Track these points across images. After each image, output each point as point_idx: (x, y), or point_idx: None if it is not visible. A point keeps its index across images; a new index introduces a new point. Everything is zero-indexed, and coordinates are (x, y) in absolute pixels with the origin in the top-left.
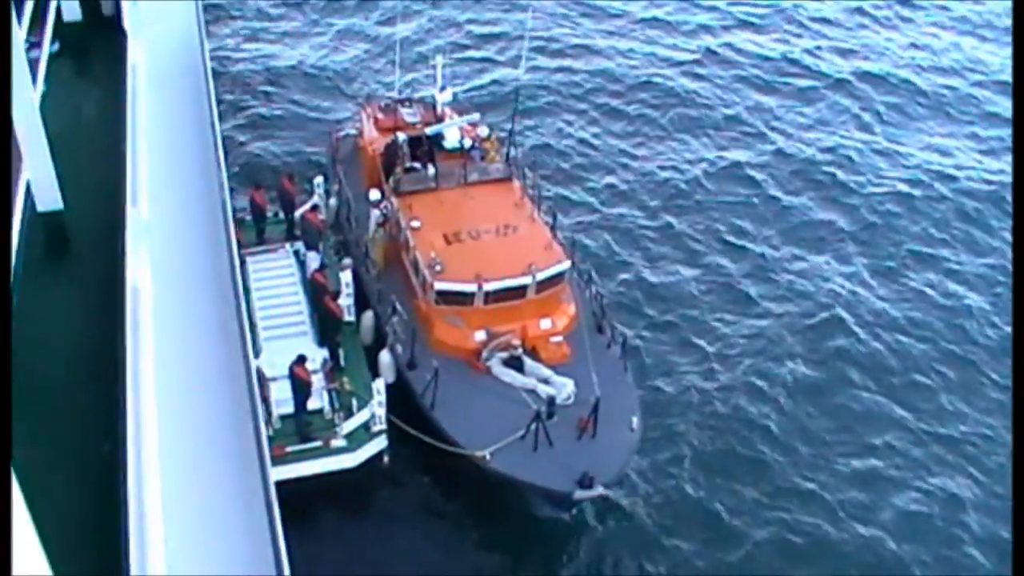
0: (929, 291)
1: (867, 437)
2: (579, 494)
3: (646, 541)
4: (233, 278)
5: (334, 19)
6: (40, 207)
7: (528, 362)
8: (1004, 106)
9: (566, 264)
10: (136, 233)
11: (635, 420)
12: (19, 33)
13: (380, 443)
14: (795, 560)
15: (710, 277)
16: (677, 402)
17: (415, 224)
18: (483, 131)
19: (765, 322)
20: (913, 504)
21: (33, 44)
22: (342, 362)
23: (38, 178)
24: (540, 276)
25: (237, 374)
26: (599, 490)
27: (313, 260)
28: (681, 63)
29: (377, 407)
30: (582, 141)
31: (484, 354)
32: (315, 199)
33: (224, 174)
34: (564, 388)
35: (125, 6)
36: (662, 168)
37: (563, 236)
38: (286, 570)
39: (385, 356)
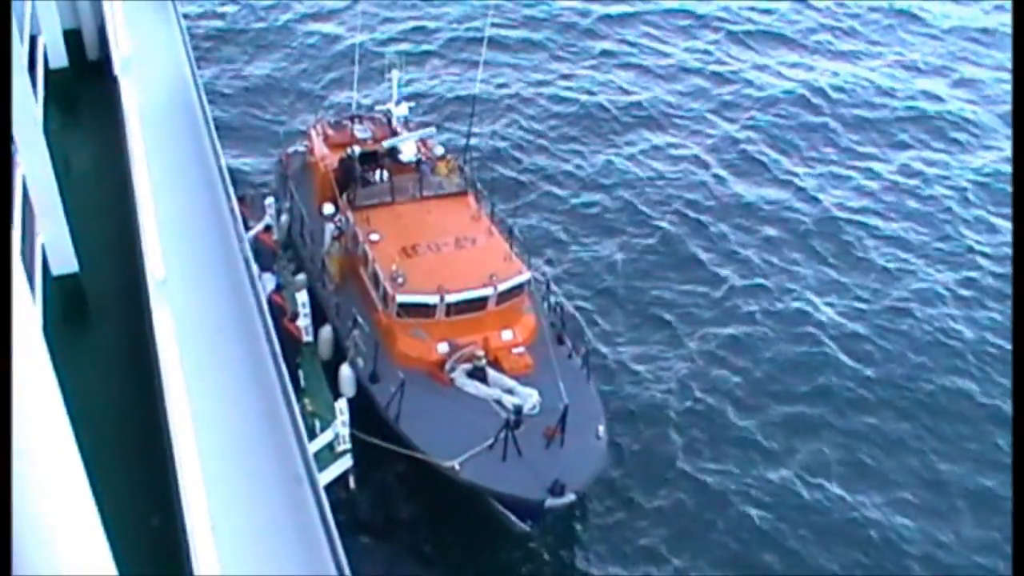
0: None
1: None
2: (550, 502)
3: (616, 546)
4: (264, 324)
5: (282, 35)
6: (55, 270)
7: (491, 373)
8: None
9: (527, 275)
10: (155, 292)
11: (601, 428)
12: (26, 85)
13: (345, 463)
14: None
15: (671, 283)
16: (643, 408)
17: (374, 237)
18: (438, 150)
19: (733, 327)
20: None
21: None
22: (302, 383)
23: (53, 240)
24: (501, 287)
25: (279, 421)
26: (570, 497)
27: (269, 281)
28: (643, 70)
29: (341, 427)
30: (539, 150)
31: (448, 365)
32: (267, 219)
33: (238, 217)
34: (529, 398)
35: (113, 50)
36: (623, 178)
37: (520, 248)
38: None
39: (346, 370)
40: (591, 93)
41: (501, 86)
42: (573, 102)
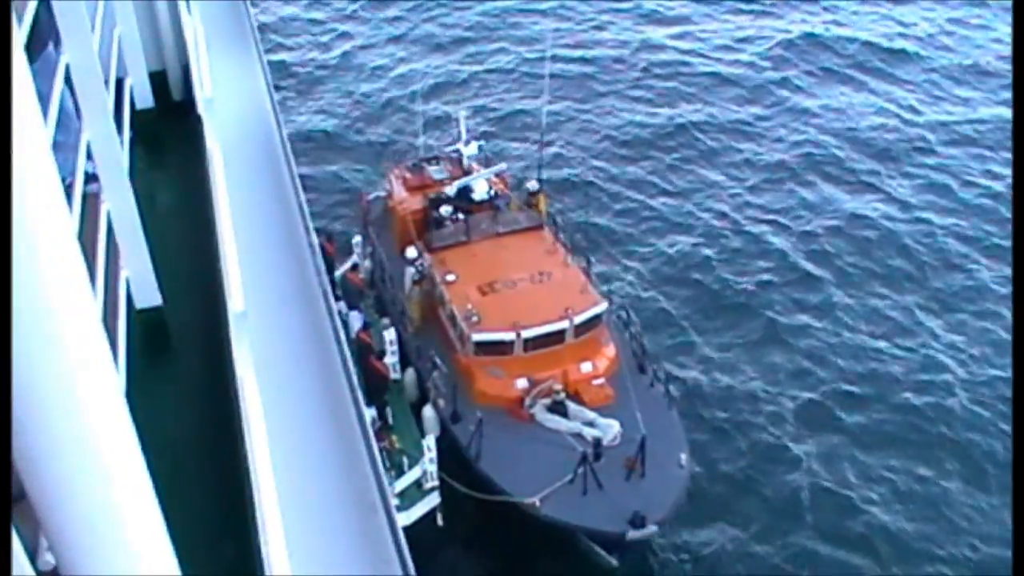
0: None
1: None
2: (632, 534)
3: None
4: (342, 356)
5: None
6: (139, 304)
7: (572, 406)
8: None
9: (603, 306)
10: (235, 324)
11: (683, 457)
12: (110, 127)
13: (433, 500)
14: None
15: (748, 310)
16: (727, 436)
17: (450, 278)
18: (532, 185)
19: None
20: None
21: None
22: (390, 420)
23: (137, 275)
24: (578, 320)
25: (356, 451)
26: (651, 529)
27: (356, 320)
28: (717, 98)
29: (428, 464)
30: (611, 179)
31: (527, 401)
32: (354, 258)
33: (317, 252)
34: (610, 429)
35: (197, 90)
36: (698, 205)
37: (597, 279)
38: None
39: (429, 411)
40: (661, 112)
41: (565, 114)
42: (639, 124)
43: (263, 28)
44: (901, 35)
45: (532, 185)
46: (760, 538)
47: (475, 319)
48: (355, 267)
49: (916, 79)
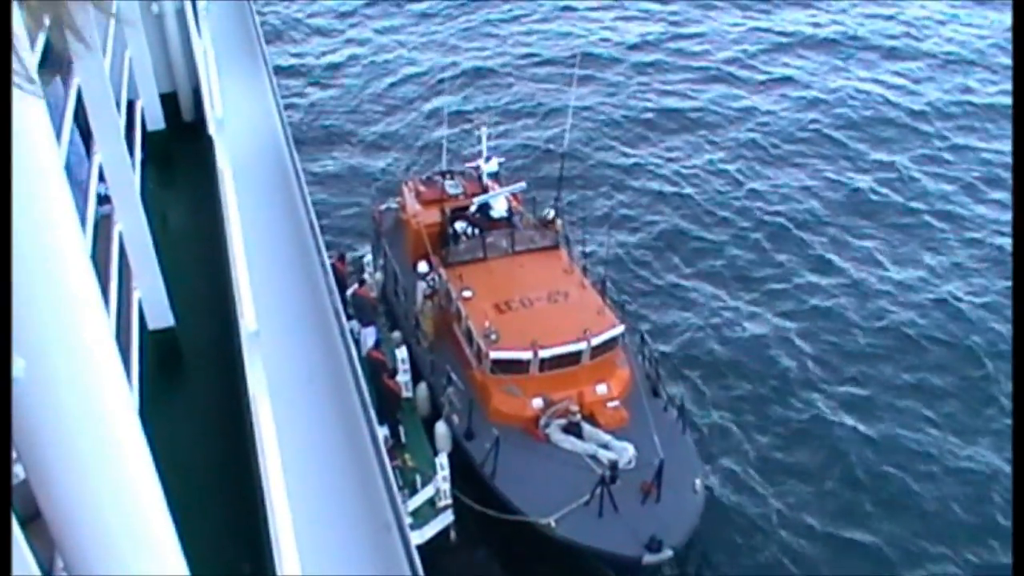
0: None
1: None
2: (648, 558)
3: None
4: (355, 375)
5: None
6: (152, 325)
7: (587, 428)
8: None
9: (620, 328)
10: (247, 344)
11: (698, 482)
12: (121, 148)
13: (446, 519)
14: None
15: (766, 339)
16: (739, 465)
17: (466, 294)
18: (549, 213)
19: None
20: None
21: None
22: (403, 439)
23: (149, 295)
24: (595, 341)
25: (370, 470)
26: (667, 553)
27: (369, 336)
28: (739, 127)
29: (442, 482)
30: (631, 199)
31: (542, 421)
32: (364, 275)
33: (329, 271)
34: (625, 452)
35: (207, 111)
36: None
37: (613, 301)
38: None
39: (441, 427)
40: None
41: (587, 134)
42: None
43: (271, 33)
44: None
45: (548, 213)
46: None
47: (493, 337)
48: (363, 283)
49: (910, 57)
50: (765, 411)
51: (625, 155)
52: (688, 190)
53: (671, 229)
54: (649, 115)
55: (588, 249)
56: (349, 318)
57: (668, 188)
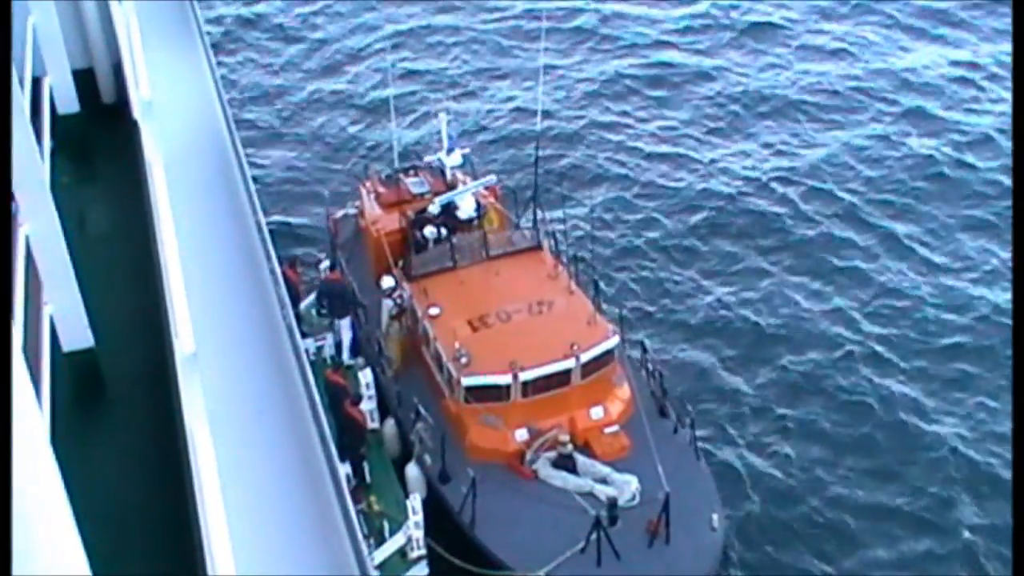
0: None
1: None
2: None
3: None
4: (311, 402)
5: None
6: (66, 346)
7: (581, 460)
8: None
9: (614, 340)
10: (184, 368)
11: (715, 517)
12: (28, 134)
13: (420, 572)
14: None
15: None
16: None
17: (433, 311)
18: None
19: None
20: None
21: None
22: (368, 478)
23: (63, 311)
24: (585, 357)
25: (330, 515)
26: None
27: (346, 329)
28: (723, 97)
29: (414, 529)
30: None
31: (528, 456)
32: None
33: (280, 281)
34: (627, 487)
35: (132, 92)
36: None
37: (608, 307)
38: None
39: (413, 469)
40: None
41: (562, 114)
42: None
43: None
44: None
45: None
46: None
47: (465, 360)
48: (333, 268)
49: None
50: (800, 429)
51: (612, 126)
52: (686, 165)
53: (674, 215)
54: (631, 81)
55: (574, 249)
56: (304, 336)
57: (666, 168)
